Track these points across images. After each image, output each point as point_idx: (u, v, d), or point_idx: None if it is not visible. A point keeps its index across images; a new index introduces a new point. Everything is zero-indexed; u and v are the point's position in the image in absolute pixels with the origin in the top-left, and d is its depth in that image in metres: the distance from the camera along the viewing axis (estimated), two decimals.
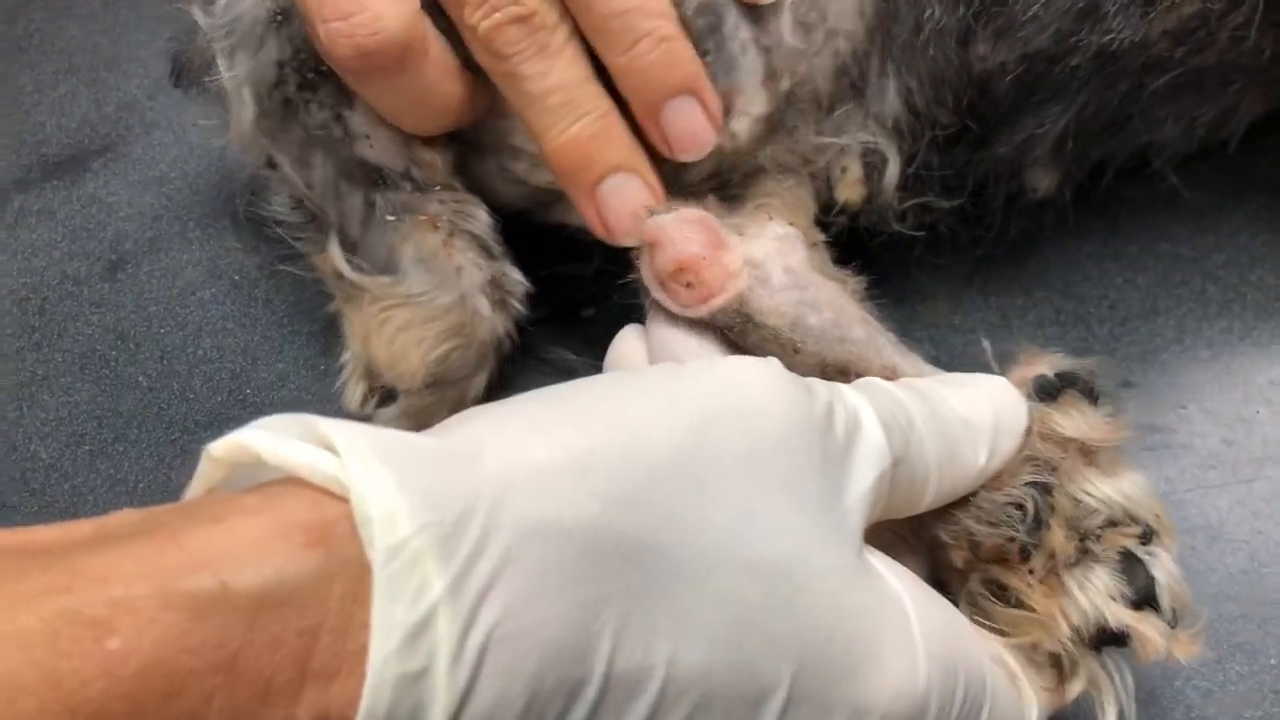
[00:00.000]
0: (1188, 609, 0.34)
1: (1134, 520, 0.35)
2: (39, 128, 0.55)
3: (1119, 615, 0.33)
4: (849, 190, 0.44)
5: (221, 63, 0.40)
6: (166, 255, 0.50)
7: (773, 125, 0.41)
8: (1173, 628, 0.34)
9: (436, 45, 0.38)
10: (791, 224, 0.41)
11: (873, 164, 0.43)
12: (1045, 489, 0.34)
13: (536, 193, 0.43)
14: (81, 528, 0.25)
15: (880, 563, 0.30)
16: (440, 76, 0.39)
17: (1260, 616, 0.40)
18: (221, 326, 0.48)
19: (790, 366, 0.37)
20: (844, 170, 0.43)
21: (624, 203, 0.39)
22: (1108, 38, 0.41)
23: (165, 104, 0.55)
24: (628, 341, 0.41)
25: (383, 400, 0.42)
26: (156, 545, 0.23)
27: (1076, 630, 0.33)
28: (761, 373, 0.30)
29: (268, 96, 0.40)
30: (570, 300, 0.45)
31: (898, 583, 0.30)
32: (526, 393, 0.30)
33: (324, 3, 0.37)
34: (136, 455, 0.45)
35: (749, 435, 0.28)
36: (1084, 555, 0.34)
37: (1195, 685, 0.39)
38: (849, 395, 0.32)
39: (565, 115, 0.38)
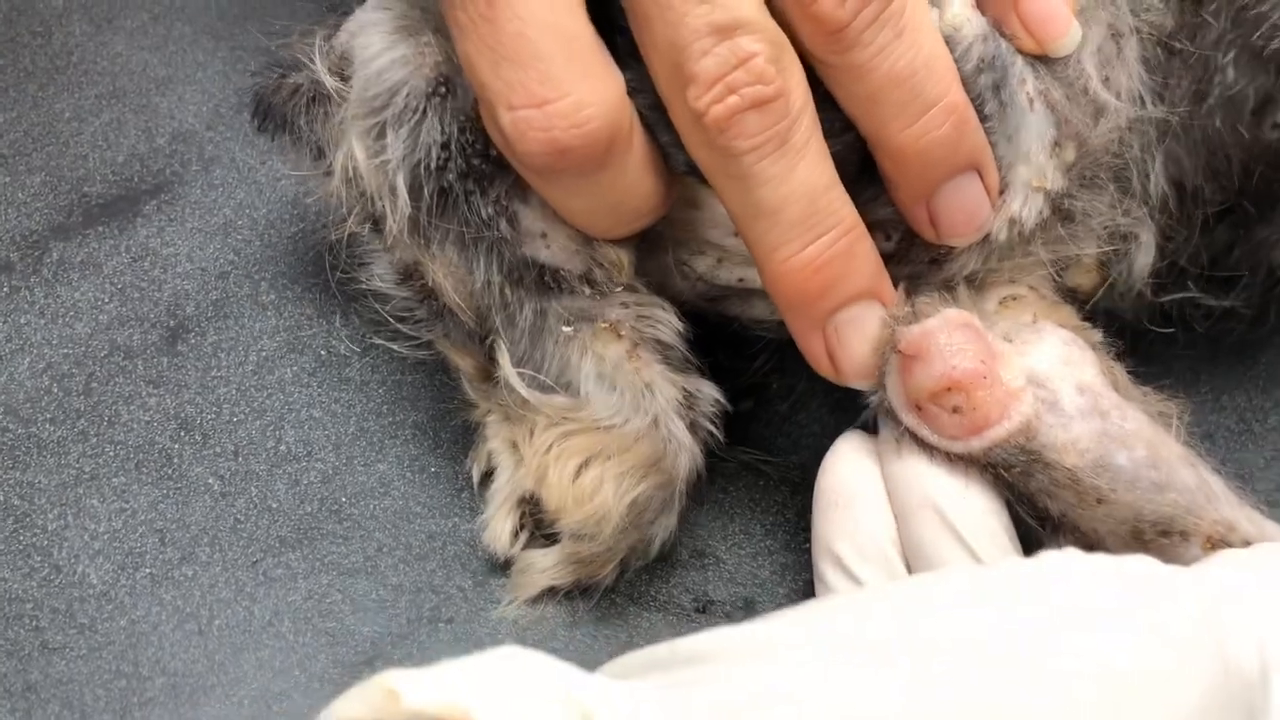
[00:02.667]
0: None
1: None
2: (80, 162, 0.49)
3: None
4: (1084, 278, 0.38)
5: (359, 144, 0.34)
6: (236, 323, 0.44)
7: (1058, 209, 0.34)
8: None
9: (640, 136, 0.33)
10: (1060, 325, 0.34)
11: (1123, 250, 0.37)
12: None
13: (716, 290, 0.37)
14: None
15: None
16: (641, 173, 0.33)
17: None
18: (307, 415, 0.42)
19: (1090, 521, 0.31)
20: (1078, 258, 0.37)
21: (864, 339, 0.33)
22: None
23: (227, 135, 0.49)
24: (851, 465, 0.34)
25: (539, 539, 0.36)
26: None
27: None
28: (1157, 647, 0.24)
29: (425, 182, 0.34)
30: (730, 392, 0.39)
31: None
32: (824, 613, 0.24)
33: (511, 84, 0.31)
34: (209, 582, 0.38)
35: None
36: None
37: None
38: (1249, 625, 0.25)
39: (804, 231, 0.32)
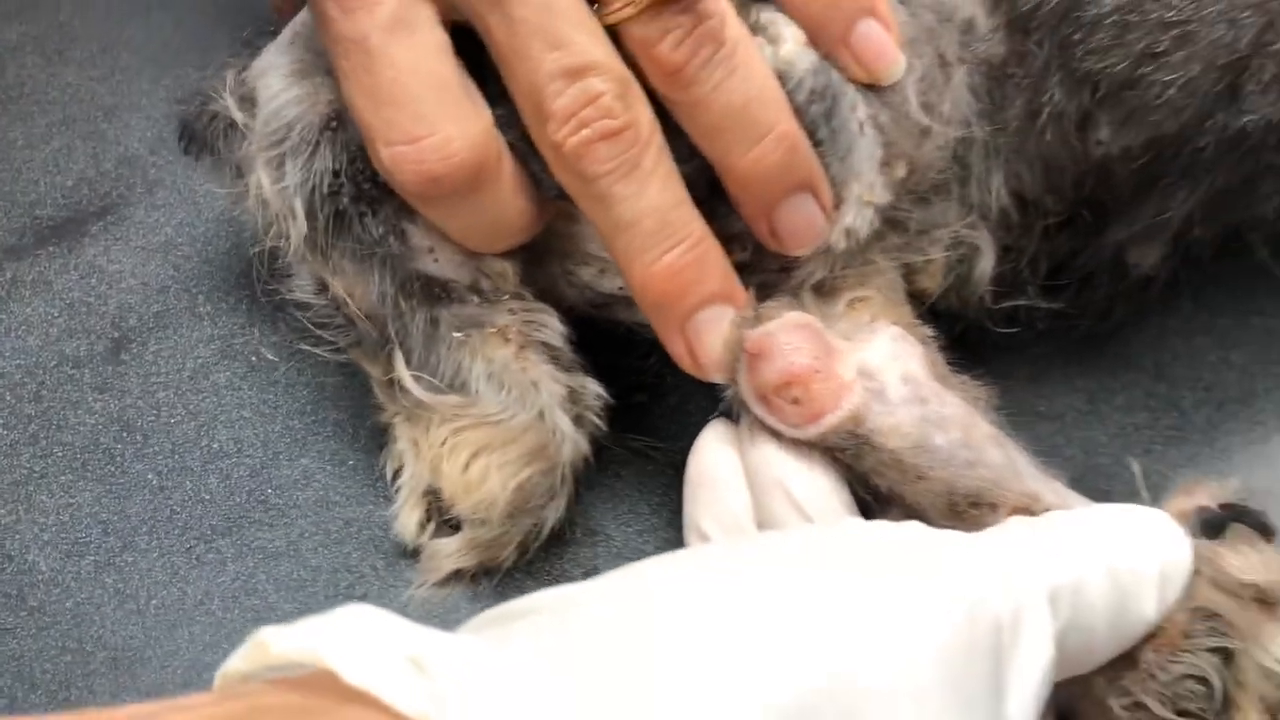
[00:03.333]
0: None
1: None
2: (32, 186, 0.51)
3: None
4: (929, 281, 0.41)
5: (265, 173, 0.37)
6: (175, 333, 0.46)
7: (889, 220, 0.38)
8: None
9: (508, 163, 0.36)
10: (896, 322, 0.37)
11: (964, 257, 0.41)
12: (1228, 656, 0.31)
13: (601, 297, 0.40)
14: None
15: None
16: (512, 195, 0.36)
17: None
18: (238, 415, 0.44)
19: (913, 495, 0.34)
20: (925, 263, 0.41)
21: (718, 338, 0.36)
22: (1244, 118, 0.39)
23: (170, 160, 0.51)
24: (715, 452, 0.37)
25: (444, 529, 0.39)
26: None
27: None
28: (920, 590, 0.27)
29: (320, 206, 0.37)
30: (624, 386, 0.42)
31: None
32: (633, 573, 0.27)
33: (389, 123, 0.34)
34: (147, 567, 0.41)
35: (910, 654, 0.25)
36: None
37: None
38: (1013, 576, 0.28)
39: (658, 242, 0.35)
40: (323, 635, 0.23)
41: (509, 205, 0.36)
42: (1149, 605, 0.30)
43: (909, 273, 0.41)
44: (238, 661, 0.24)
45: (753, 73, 0.34)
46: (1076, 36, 0.38)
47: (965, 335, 0.43)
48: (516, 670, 0.23)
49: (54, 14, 0.59)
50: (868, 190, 0.36)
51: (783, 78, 0.35)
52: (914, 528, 0.29)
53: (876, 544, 0.28)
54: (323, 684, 0.23)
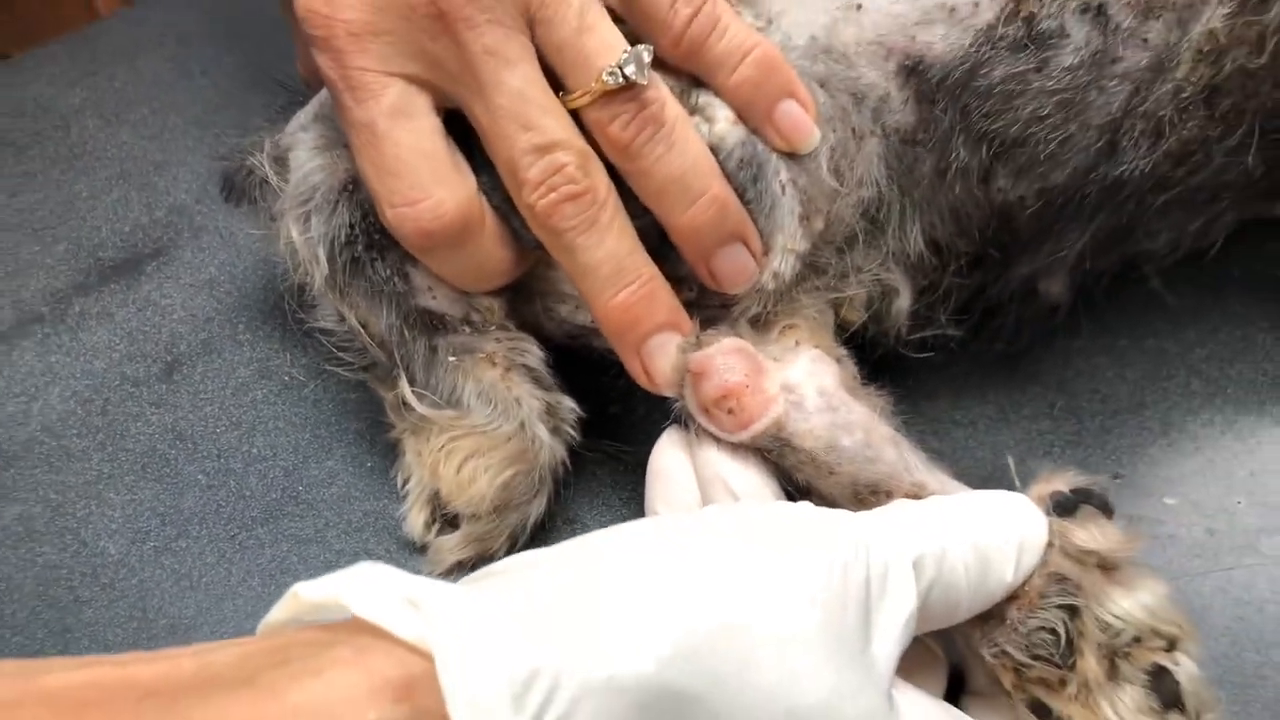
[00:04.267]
0: (1209, 703, 0.36)
1: (1158, 634, 0.36)
2: (95, 232, 0.57)
3: None
4: (852, 314, 0.46)
5: (294, 226, 0.42)
6: (219, 357, 0.52)
7: (810, 264, 0.43)
8: None
9: (490, 220, 0.41)
10: (818, 346, 0.42)
11: (882, 295, 0.45)
12: (1074, 612, 0.36)
13: (575, 329, 0.45)
14: (183, 665, 0.27)
15: (903, 697, 0.33)
16: (494, 246, 0.41)
17: (1243, 699, 0.41)
18: (273, 425, 0.49)
19: (826, 486, 0.39)
20: (851, 298, 0.45)
21: (667, 358, 0.41)
22: (1121, 169, 0.44)
23: (212, 208, 0.57)
24: (669, 455, 0.42)
25: (446, 527, 0.44)
26: (260, 698, 0.26)
27: None
28: (804, 554, 0.32)
29: (338, 254, 0.42)
30: (601, 400, 0.47)
31: (917, 713, 0.33)
32: (588, 540, 0.32)
33: (392, 190, 0.40)
34: (198, 551, 0.45)
35: (794, 601, 0.30)
36: (1115, 674, 0.36)
37: None
38: (884, 538, 0.33)
39: (615, 283, 0.40)
40: (341, 583, 0.29)
41: (491, 254, 0.41)
42: (1008, 571, 0.35)
43: (835, 306, 0.46)
44: (277, 612, 0.30)
45: (689, 147, 0.39)
46: (974, 104, 0.42)
47: (887, 357, 0.48)
48: (488, 608, 0.28)
49: (110, 81, 0.65)
50: (791, 240, 0.42)
51: (716, 149, 0.40)
52: (807, 507, 0.35)
53: (776, 519, 0.33)
54: (340, 626, 0.29)
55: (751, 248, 0.42)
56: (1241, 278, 0.54)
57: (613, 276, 0.40)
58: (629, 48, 0.39)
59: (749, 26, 0.41)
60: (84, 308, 0.54)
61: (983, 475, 0.45)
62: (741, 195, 0.41)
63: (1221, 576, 0.45)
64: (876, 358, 0.47)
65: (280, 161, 0.45)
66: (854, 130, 0.43)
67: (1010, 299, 0.49)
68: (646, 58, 0.39)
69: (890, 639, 0.32)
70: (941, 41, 0.42)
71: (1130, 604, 0.36)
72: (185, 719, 0.25)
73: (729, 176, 0.41)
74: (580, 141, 0.39)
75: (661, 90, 0.39)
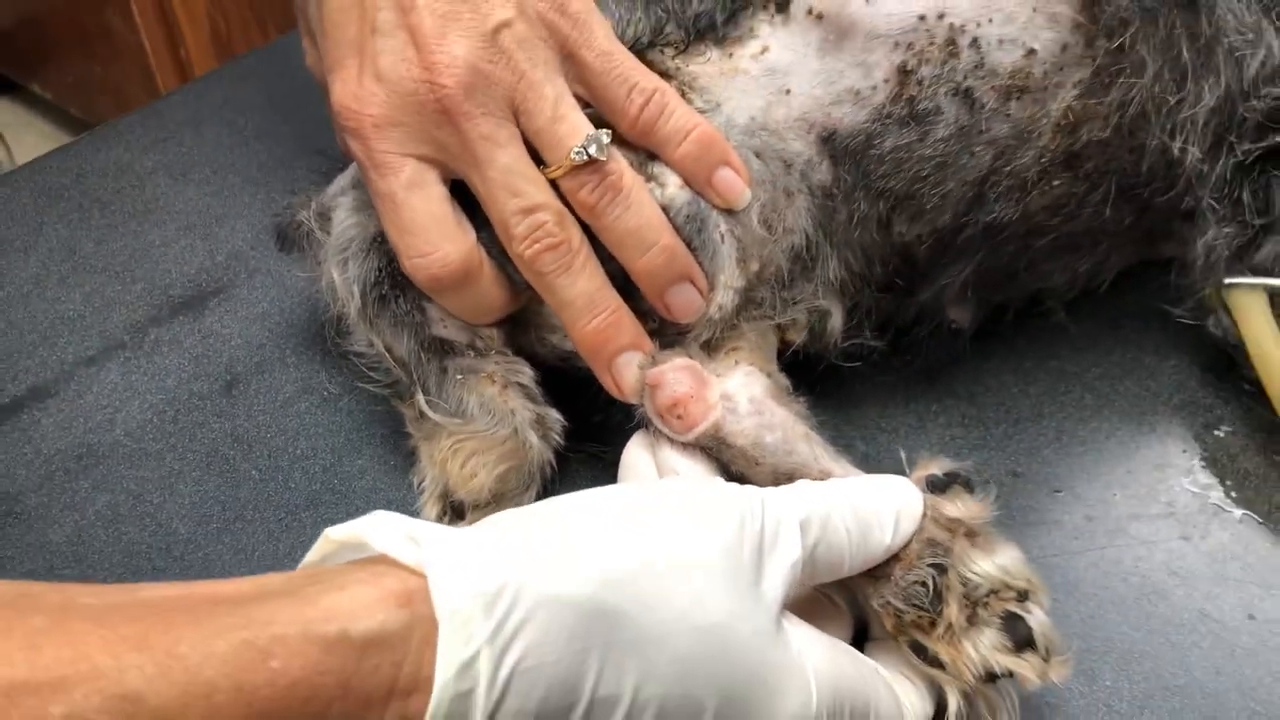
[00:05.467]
0: (1058, 645, 0.42)
1: (1010, 587, 0.42)
2: (166, 274, 0.63)
3: (1002, 662, 0.41)
4: (795, 335, 0.53)
5: (336, 270, 0.49)
6: (270, 375, 0.57)
7: (748, 298, 0.50)
8: (1047, 661, 0.41)
9: (488, 267, 0.47)
10: (753, 364, 0.49)
11: (819, 317, 0.53)
12: (942, 569, 0.41)
13: (564, 353, 0.51)
14: (244, 586, 0.33)
15: (793, 626, 0.38)
16: (491, 288, 0.48)
17: (1100, 650, 0.47)
18: (314, 431, 0.55)
19: (754, 476, 0.46)
20: (794, 321, 0.53)
21: (632, 372, 0.47)
22: (991, 216, 0.51)
23: (265, 253, 0.63)
24: (635, 452, 0.49)
25: (455, 517, 0.49)
26: (301, 602, 0.32)
27: (975, 675, 0.41)
28: (713, 510, 0.37)
29: (369, 293, 0.49)
30: (586, 410, 0.53)
31: (803, 640, 0.38)
32: (554, 499, 0.39)
33: (409, 245, 0.46)
34: (252, 531, 0.51)
35: (702, 546, 0.36)
36: (975, 620, 0.41)
37: (1047, 702, 0.45)
38: (778, 504, 0.39)
39: (588, 312, 0.47)
40: (361, 525, 0.35)
41: (489, 294, 0.48)
42: (887, 534, 0.41)
43: (781, 329, 0.53)
44: (313, 554, 0.36)
45: (643, 208, 0.46)
46: (871, 166, 0.49)
47: (826, 372, 0.55)
48: (470, 542, 0.34)
49: (179, 146, 0.72)
50: (731, 279, 0.48)
51: (667, 208, 0.47)
52: (721, 481, 0.41)
53: (697, 489, 0.40)
54: (360, 560, 0.34)
55: (698, 286, 0.48)
56: (1135, 310, 0.61)
57: (586, 308, 0.47)
58: (592, 131, 0.46)
59: (691, 109, 0.48)
60: (158, 336, 0.60)
61: (900, 472, 0.52)
62: (689, 244, 0.48)
63: (1096, 554, 0.51)
64: (817, 375, 0.54)
65: (324, 217, 0.52)
66: (785, 190, 0.50)
67: (917, 320, 0.56)
68: (605, 140, 0.46)
69: (778, 579, 0.38)
70: (848, 117, 0.49)
71: (988, 564, 0.43)
72: (246, 616, 0.31)
73: (678, 229, 0.48)
74: (557, 204, 0.46)
75: (620, 163, 0.46)
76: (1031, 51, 0.49)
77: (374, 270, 0.49)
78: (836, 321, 0.53)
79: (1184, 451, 0.55)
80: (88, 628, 0.30)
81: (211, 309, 0.61)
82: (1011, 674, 0.41)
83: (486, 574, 0.33)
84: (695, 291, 0.48)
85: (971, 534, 0.43)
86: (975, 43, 0.49)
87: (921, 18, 0.49)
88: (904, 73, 0.49)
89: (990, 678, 0.41)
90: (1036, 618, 0.42)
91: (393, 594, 0.33)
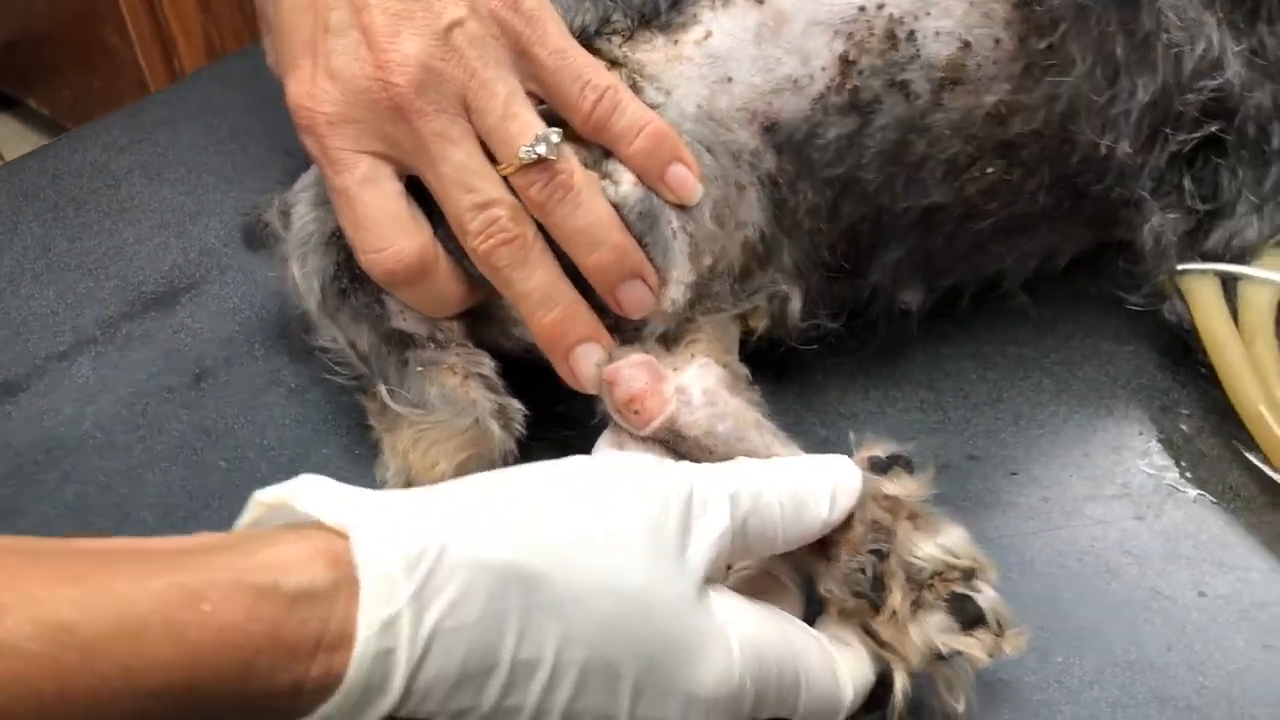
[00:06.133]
0: (1010, 619, 0.42)
1: (954, 568, 0.42)
2: (139, 271, 0.63)
3: (950, 644, 0.41)
4: (757, 321, 0.53)
5: (295, 264, 0.50)
6: (238, 369, 0.57)
7: (701, 292, 0.50)
8: (1000, 635, 0.42)
9: (444, 261, 0.47)
10: (710, 355, 0.49)
11: (779, 301, 0.53)
12: (882, 555, 0.42)
13: (528, 345, 0.51)
14: (184, 539, 0.34)
15: (719, 595, 0.38)
16: (448, 282, 0.48)
17: (1053, 628, 0.47)
18: (281, 423, 0.55)
19: (708, 464, 0.45)
20: (755, 308, 0.53)
21: (589, 364, 0.48)
22: (928, 200, 0.52)
23: (236, 251, 0.63)
24: (603, 450, 0.49)
25: None
26: (236, 554, 0.33)
27: (923, 657, 0.41)
28: (641, 482, 0.38)
29: (328, 287, 0.49)
30: (548, 399, 0.53)
31: (730, 609, 0.38)
32: (489, 472, 0.40)
33: (364, 240, 0.46)
34: (219, 521, 0.45)
35: (623, 514, 0.37)
36: (921, 603, 0.42)
37: (1000, 678, 0.45)
38: (708, 478, 0.40)
39: (544, 305, 0.47)
40: (289, 488, 0.36)
41: (446, 288, 0.48)
42: (823, 509, 0.41)
43: (744, 317, 0.53)
44: (245, 517, 0.36)
45: (593, 206, 0.46)
46: (815, 156, 0.50)
47: (787, 359, 0.56)
48: (395, 506, 0.35)
49: (154, 146, 0.73)
50: (683, 274, 0.48)
51: (620, 205, 0.47)
52: (654, 459, 0.42)
53: (630, 465, 0.40)
54: (291, 523, 0.34)
55: (649, 282, 0.48)
56: (1095, 295, 0.61)
57: (543, 301, 0.47)
58: (543, 130, 0.46)
59: (644, 106, 0.48)
60: (129, 331, 0.60)
61: (852, 455, 0.52)
62: (641, 240, 0.48)
63: (1051, 535, 0.51)
64: (778, 360, 0.55)
65: (286, 215, 0.52)
66: (736, 184, 0.51)
67: (870, 302, 0.56)
68: (555, 139, 0.46)
69: (704, 546, 0.38)
70: (789, 107, 0.50)
71: (930, 546, 0.43)
72: (183, 562, 0.32)
73: (630, 226, 0.48)
74: (510, 199, 0.46)
75: (571, 161, 0.46)
76: (966, 45, 0.50)
77: (333, 264, 0.49)
78: (796, 304, 0.53)
79: (1140, 434, 0.55)
80: (24, 562, 0.31)
81: (183, 304, 0.62)
82: (960, 654, 0.41)
83: (411, 536, 0.34)
84: (645, 288, 0.48)
85: (914, 516, 0.44)
86: (912, 35, 0.50)
87: (861, 8, 0.49)
88: (846, 62, 0.49)
89: (937, 660, 0.42)
90: (985, 595, 0.42)
91: (320, 553, 0.34)
